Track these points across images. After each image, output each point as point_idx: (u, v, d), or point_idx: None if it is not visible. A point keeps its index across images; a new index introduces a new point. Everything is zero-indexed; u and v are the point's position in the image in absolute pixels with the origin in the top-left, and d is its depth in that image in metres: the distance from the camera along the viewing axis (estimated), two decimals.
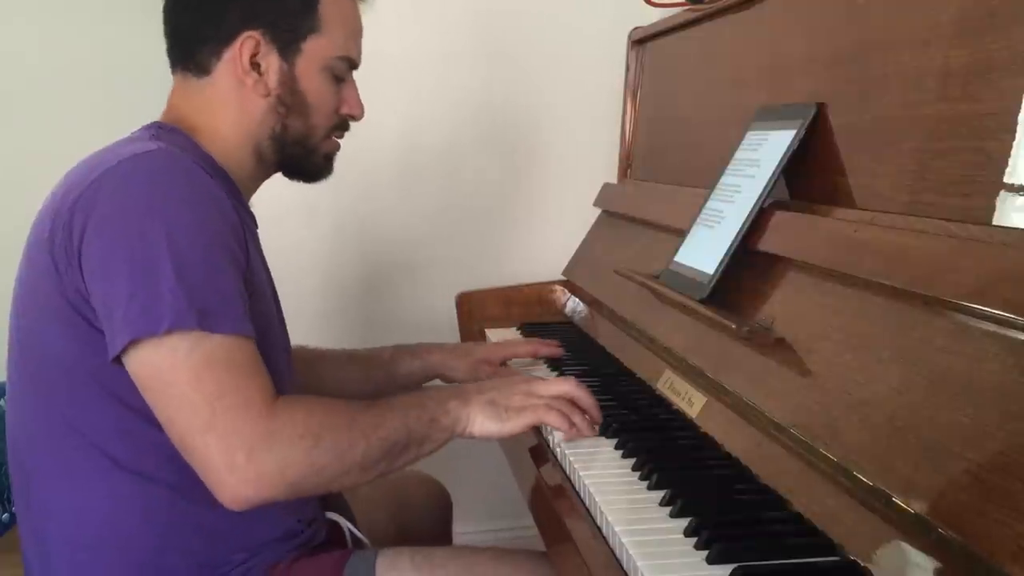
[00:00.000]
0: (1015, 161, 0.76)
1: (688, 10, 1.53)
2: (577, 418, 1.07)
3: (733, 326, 1.01)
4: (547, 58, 2.05)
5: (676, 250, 1.25)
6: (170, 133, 1.07)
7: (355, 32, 1.16)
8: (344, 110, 1.16)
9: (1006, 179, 0.77)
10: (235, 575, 1.04)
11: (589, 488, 0.94)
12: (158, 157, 0.98)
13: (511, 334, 1.69)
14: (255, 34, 1.07)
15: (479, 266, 2.05)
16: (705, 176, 1.27)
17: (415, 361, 1.39)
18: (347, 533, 1.20)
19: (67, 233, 0.93)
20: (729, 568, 0.74)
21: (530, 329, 1.69)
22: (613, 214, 1.74)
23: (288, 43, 1.09)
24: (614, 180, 1.86)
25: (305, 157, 1.16)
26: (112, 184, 0.94)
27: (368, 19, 1.19)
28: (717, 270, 1.11)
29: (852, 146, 1.01)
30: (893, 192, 0.92)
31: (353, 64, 1.17)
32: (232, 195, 1.06)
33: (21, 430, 1.04)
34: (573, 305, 1.74)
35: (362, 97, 1.18)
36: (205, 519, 1.00)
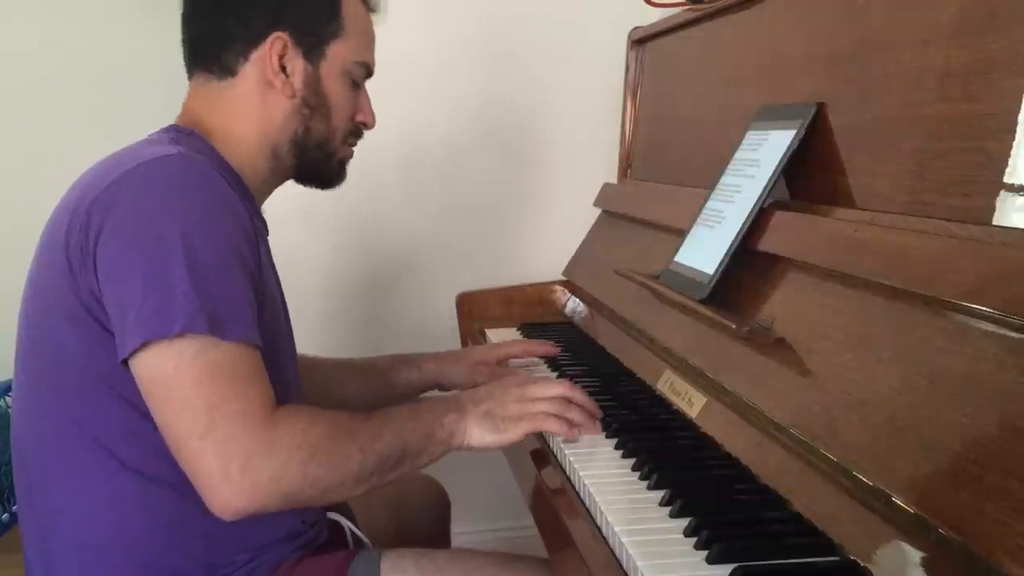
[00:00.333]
0: (1015, 161, 0.76)
1: (688, 10, 1.53)
2: (575, 414, 1.07)
3: (733, 326, 1.01)
4: (547, 58, 2.05)
5: (676, 250, 1.25)
6: (188, 136, 1.07)
7: (371, 40, 1.19)
8: (359, 117, 1.19)
9: (1006, 179, 0.77)
10: (239, 575, 1.04)
11: (589, 488, 0.94)
12: (176, 161, 0.98)
13: (511, 334, 1.69)
14: (283, 35, 1.08)
15: (480, 266, 2.05)
16: (705, 176, 1.27)
17: (412, 371, 1.40)
18: (348, 533, 1.20)
19: (83, 233, 0.94)
20: (729, 568, 0.74)
21: (530, 329, 1.69)
22: (613, 214, 1.74)
23: (313, 46, 1.11)
24: (614, 180, 1.86)
25: (323, 162, 1.17)
26: (130, 186, 0.95)
27: (379, 16, 1.20)
28: (717, 270, 1.11)
29: (852, 146, 1.01)
30: (893, 192, 0.92)
31: (369, 72, 1.19)
32: (246, 201, 1.06)
33: (27, 429, 1.04)
34: (573, 305, 1.74)
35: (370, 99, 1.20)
36: (209, 520, 1.00)
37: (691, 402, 1.09)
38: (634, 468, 0.98)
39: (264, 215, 1.16)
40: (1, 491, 1.15)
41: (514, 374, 1.34)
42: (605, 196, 1.83)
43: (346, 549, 1.17)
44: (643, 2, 1.63)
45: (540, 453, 1.11)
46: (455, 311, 1.81)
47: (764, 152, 1.12)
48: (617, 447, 1.04)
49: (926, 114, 0.89)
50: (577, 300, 1.73)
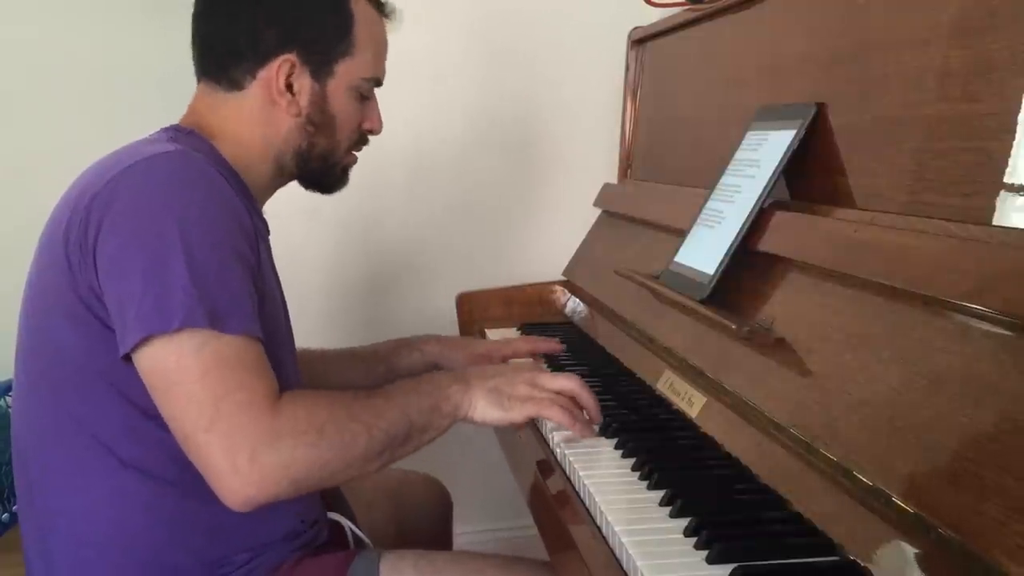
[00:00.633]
0: (1015, 161, 0.76)
1: (688, 10, 1.53)
2: (578, 412, 1.07)
3: (733, 326, 1.01)
4: (547, 58, 2.05)
5: (676, 250, 1.25)
6: (187, 136, 1.08)
7: (383, 52, 1.18)
8: (366, 126, 1.19)
9: (1006, 179, 0.77)
10: (239, 575, 1.04)
11: (589, 488, 0.94)
12: (175, 158, 0.99)
13: (511, 334, 1.69)
14: (292, 57, 1.08)
15: (480, 266, 2.05)
16: (705, 176, 1.27)
17: (414, 353, 1.40)
18: (349, 533, 1.20)
19: (83, 230, 0.94)
20: (729, 568, 0.74)
21: (530, 329, 1.69)
22: (613, 214, 1.74)
23: (321, 65, 1.11)
24: (614, 180, 1.86)
25: (325, 171, 1.18)
26: (129, 183, 0.95)
27: (394, 24, 1.20)
28: (717, 270, 1.11)
29: (852, 146, 1.01)
30: (893, 192, 0.92)
31: (379, 83, 1.19)
32: (245, 200, 1.07)
33: (28, 428, 1.04)
34: (573, 305, 1.74)
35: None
36: (209, 517, 1.01)
37: (691, 402, 1.09)
38: (634, 468, 0.98)
39: (265, 216, 1.16)
40: (1, 491, 1.15)
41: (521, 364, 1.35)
42: (605, 196, 1.83)
43: (346, 549, 1.17)
44: (643, 2, 1.63)
45: (539, 452, 1.11)
46: (455, 311, 1.81)
47: (764, 152, 1.12)
48: (617, 447, 1.04)
49: (926, 114, 0.89)
50: (577, 300, 1.73)
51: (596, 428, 1.09)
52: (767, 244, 1.07)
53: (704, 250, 1.17)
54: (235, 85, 1.10)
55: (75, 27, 2.03)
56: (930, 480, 0.68)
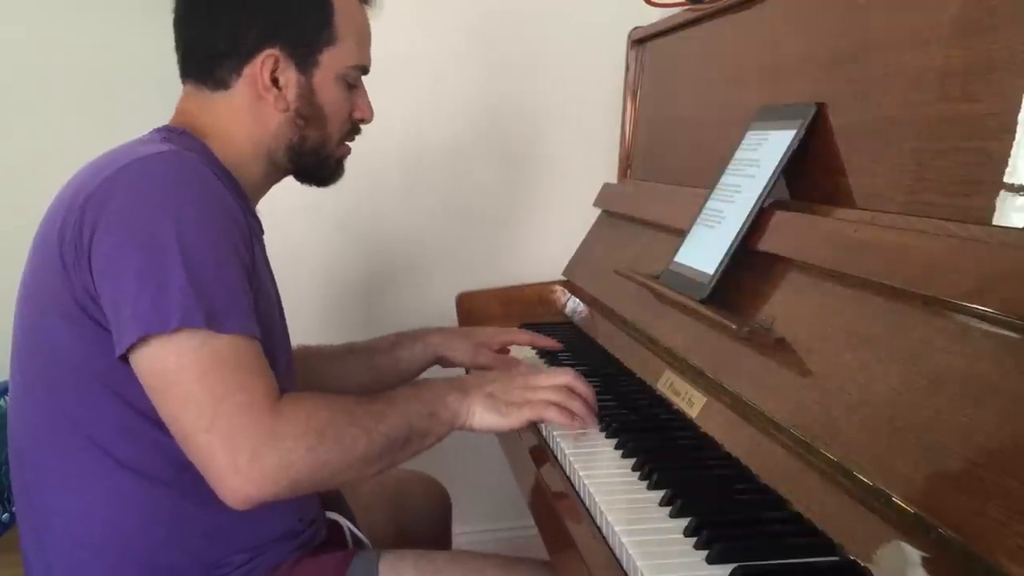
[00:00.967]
0: (1015, 161, 0.76)
1: (688, 10, 1.53)
2: (576, 404, 1.07)
3: (733, 326, 1.01)
4: (547, 58, 2.05)
5: (676, 250, 1.25)
6: (180, 136, 1.07)
7: (366, 38, 1.18)
8: (356, 115, 1.18)
9: (1006, 179, 0.77)
10: (237, 575, 1.04)
11: (589, 488, 0.94)
12: (168, 158, 0.99)
13: None
14: (274, 51, 1.08)
15: (480, 266, 2.05)
16: (705, 176, 1.27)
17: (416, 344, 1.40)
18: (347, 533, 1.20)
19: (77, 230, 0.94)
20: (729, 568, 0.74)
21: (530, 329, 1.69)
22: (613, 214, 1.74)
23: (305, 57, 1.10)
24: (614, 180, 1.86)
25: (319, 164, 1.17)
26: (123, 183, 0.95)
27: (370, 22, 1.20)
28: (717, 270, 1.11)
29: (852, 146, 1.01)
30: (893, 192, 0.92)
31: (365, 70, 1.18)
32: (240, 200, 1.07)
33: (23, 429, 1.04)
34: (573, 305, 1.74)
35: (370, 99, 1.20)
36: (206, 518, 1.01)
37: (691, 402, 1.09)
38: (634, 468, 0.98)
39: (259, 215, 1.16)
40: (1, 491, 1.15)
41: (518, 364, 1.35)
42: (605, 196, 1.83)
43: (345, 549, 1.17)
44: (643, 2, 1.63)
45: (538, 450, 1.11)
46: (454, 311, 1.81)
47: (764, 152, 1.12)
48: (617, 447, 1.04)
49: (926, 114, 0.89)
50: (577, 300, 1.73)
51: (595, 418, 1.09)
52: (767, 244, 1.07)
53: (704, 250, 1.17)
54: (221, 84, 1.09)
55: (75, 27, 2.03)
56: (930, 480, 0.68)
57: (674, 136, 1.63)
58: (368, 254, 2.09)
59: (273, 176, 1.16)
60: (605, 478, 0.96)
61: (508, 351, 1.44)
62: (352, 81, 1.16)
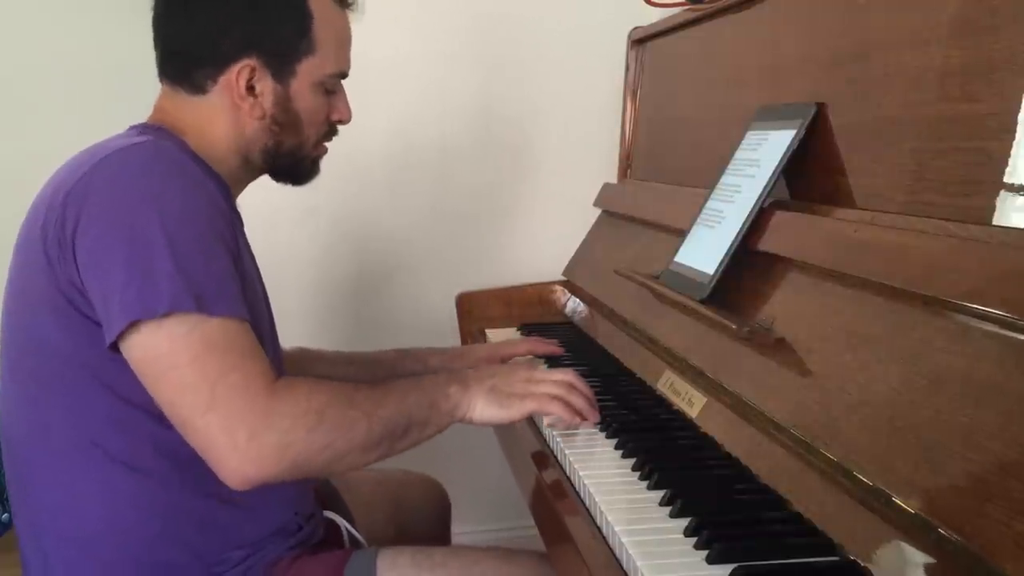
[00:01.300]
0: (1015, 161, 0.76)
1: (688, 10, 1.53)
2: (577, 400, 1.07)
3: (733, 326, 1.01)
4: (547, 58, 2.05)
5: (676, 250, 1.25)
6: (156, 131, 1.07)
7: (345, 43, 1.16)
8: (334, 117, 1.17)
9: (1006, 179, 0.77)
10: (235, 573, 1.04)
11: (589, 488, 0.94)
12: (147, 148, 0.99)
13: (511, 334, 1.69)
14: (251, 62, 1.07)
15: (479, 266, 2.05)
16: (705, 176, 1.27)
17: (418, 365, 1.40)
18: (345, 533, 1.20)
19: (60, 225, 0.94)
20: (729, 568, 0.74)
21: (530, 329, 1.69)
22: (613, 214, 1.74)
23: (283, 67, 1.09)
24: (614, 180, 1.86)
25: (295, 165, 1.17)
26: (103, 175, 0.95)
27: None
28: (717, 270, 1.11)
29: (852, 146, 1.01)
30: (893, 192, 0.92)
31: (344, 75, 1.17)
32: (220, 188, 1.07)
33: (15, 425, 1.04)
34: (573, 305, 1.74)
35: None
36: (201, 511, 1.01)
37: (691, 402, 1.09)
38: (634, 468, 0.98)
39: (245, 209, 1.16)
40: (1, 491, 1.15)
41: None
42: (605, 196, 1.83)
43: (343, 548, 1.17)
44: (643, 2, 1.63)
45: (540, 453, 1.11)
46: (454, 311, 1.81)
47: (764, 152, 1.12)
48: (617, 447, 1.04)
49: (926, 114, 0.89)
50: (577, 300, 1.72)
51: (596, 414, 1.09)
52: (767, 244, 1.07)
53: (704, 250, 1.17)
54: (197, 89, 1.09)
55: (69, 27, 2.03)
56: (930, 480, 0.68)
57: (674, 136, 1.62)
58: (367, 253, 2.09)
59: (249, 174, 1.16)
60: (605, 478, 0.96)
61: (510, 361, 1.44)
62: (330, 87, 1.15)
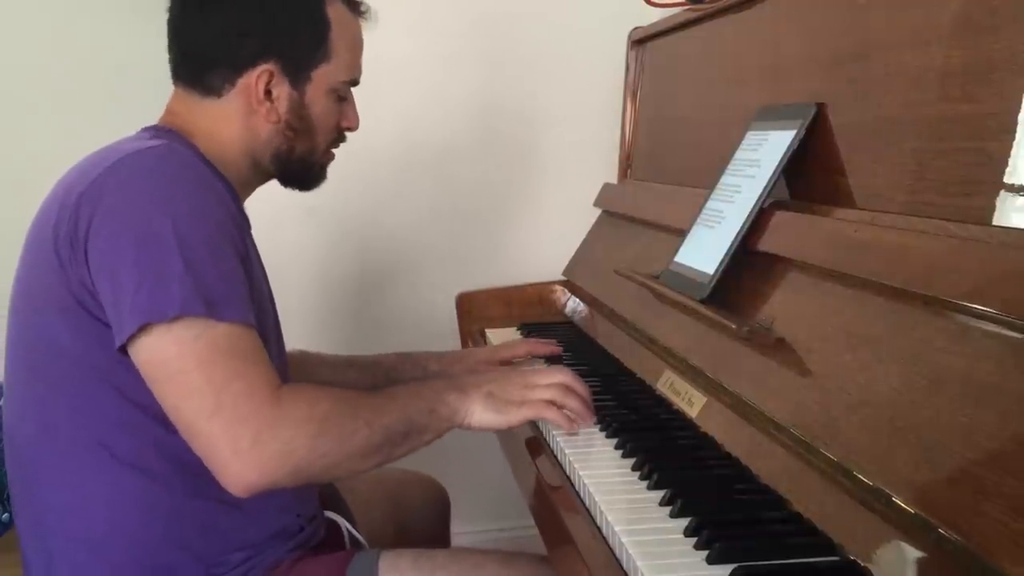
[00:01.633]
0: (1015, 161, 0.76)
1: (688, 10, 1.53)
2: (573, 402, 1.07)
3: (733, 326, 1.01)
4: (547, 58, 2.05)
5: (676, 250, 1.25)
6: (167, 134, 1.08)
7: (359, 51, 1.18)
8: (344, 124, 1.19)
9: (1006, 179, 0.77)
10: (236, 574, 1.04)
11: (589, 488, 0.94)
12: (160, 151, 1.00)
13: (511, 334, 1.69)
14: (270, 66, 1.08)
15: (479, 266, 2.05)
16: (705, 176, 1.27)
17: (417, 370, 1.40)
18: (345, 534, 1.20)
19: (72, 226, 0.95)
20: (729, 568, 0.74)
21: (530, 329, 1.69)
22: (613, 214, 1.74)
23: (300, 72, 1.11)
24: (614, 180, 1.86)
25: (304, 171, 1.18)
26: (117, 178, 0.96)
27: (371, 23, 1.20)
28: (717, 270, 1.11)
29: (852, 146, 1.01)
30: (893, 192, 0.92)
31: (356, 83, 1.19)
32: (230, 192, 1.07)
33: (22, 426, 1.04)
34: (573, 305, 1.74)
35: (364, 98, 1.21)
36: (203, 513, 1.01)
37: (691, 402, 1.09)
38: (634, 468, 0.98)
39: (250, 209, 1.16)
40: (2, 491, 1.15)
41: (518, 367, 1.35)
42: (605, 196, 1.83)
43: (344, 550, 1.17)
44: (643, 2, 1.63)
45: (538, 449, 1.11)
46: (454, 311, 1.81)
47: (764, 152, 1.12)
48: (617, 447, 1.04)
49: (926, 114, 0.89)
50: (577, 300, 1.72)
51: (593, 418, 1.10)
52: (767, 244, 1.07)
53: (704, 250, 1.17)
54: (212, 91, 1.10)
55: (74, 27, 2.03)
56: (930, 480, 0.68)
57: (674, 136, 1.62)
58: (367, 253, 2.09)
59: (257, 178, 1.17)
60: (605, 478, 0.96)
61: (510, 363, 1.44)
62: (343, 94, 1.17)
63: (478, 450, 1.74)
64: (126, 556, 1.00)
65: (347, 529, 1.20)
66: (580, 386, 1.10)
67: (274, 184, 1.20)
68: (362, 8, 1.18)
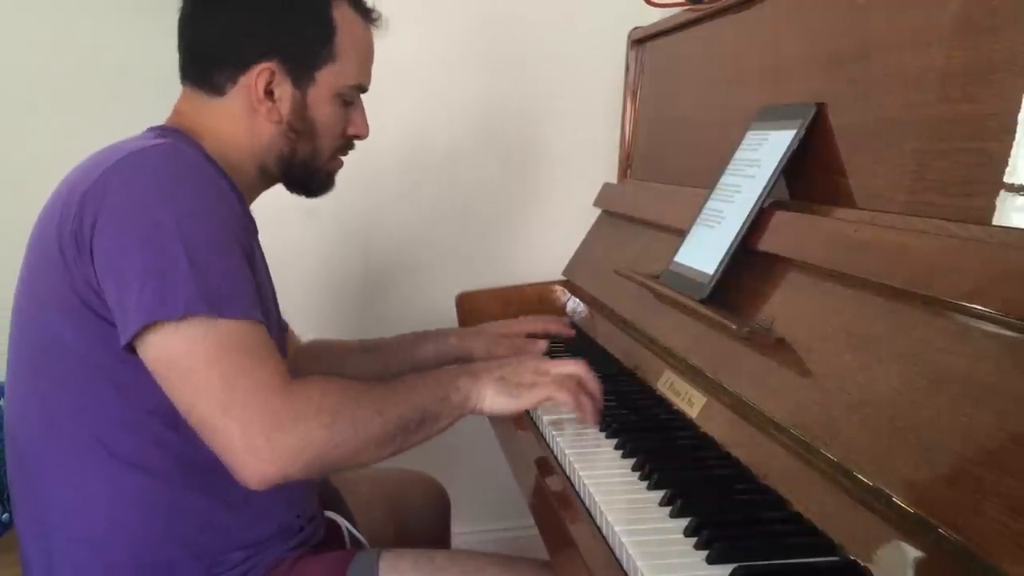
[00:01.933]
0: (1015, 161, 0.76)
1: (688, 10, 1.53)
2: (583, 399, 1.07)
3: (733, 326, 1.01)
4: (547, 58, 2.05)
5: (676, 250, 1.25)
6: (173, 134, 1.08)
7: (368, 59, 1.18)
8: (351, 131, 1.19)
9: (1006, 179, 0.77)
10: (235, 574, 1.04)
11: (589, 488, 0.94)
12: (165, 150, 1.00)
13: None
14: (271, 65, 1.09)
15: (479, 266, 2.05)
16: (705, 176, 1.27)
17: (439, 343, 1.41)
18: (346, 533, 1.20)
19: (77, 224, 0.95)
20: (729, 568, 0.74)
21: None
22: (613, 214, 1.74)
23: (302, 73, 1.11)
24: (614, 180, 1.87)
25: (309, 176, 1.18)
26: (121, 176, 0.96)
27: (381, 30, 1.20)
28: (717, 270, 1.11)
29: (852, 146, 1.01)
30: (893, 192, 0.92)
31: (363, 89, 1.18)
32: (236, 193, 1.07)
33: (25, 424, 1.04)
34: (573, 305, 1.74)
35: (366, 99, 1.20)
36: (204, 511, 1.01)
37: (691, 402, 1.09)
38: (634, 468, 0.97)
39: (254, 210, 1.16)
40: (2, 491, 1.16)
41: (535, 344, 1.37)
42: (605, 196, 1.83)
43: (344, 549, 1.17)
44: (643, 2, 1.63)
45: (538, 449, 1.11)
46: (454, 311, 1.81)
47: (764, 152, 1.12)
48: (617, 447, 1.04)
49: (926, 114, 0.89)
50: (577, 300, 1.73)
51: (599, 416, 1.09)
52: (767, 244, 1.07)
53: (704, 250, 1.17)
54: (217, 90, 1.10)
55: (74, 27, 2.03)
56: (930, 480, 0.68)
57: (674, 136, 1.63)
58: (368, 252, 2.09)
59: (264, 181, 1.17)
60: (605, 478, 0.96)
61: (526, 337, 1.44)
62: (349, 99, 1.16)
63: (478, 450, 1.74)
64: (126, 554, 1.00)
65: (347, 529, 1.21)
66: (593, 383, 1.10)
67: (279, 184, 1.20)
68: (373, 14, 1.18)
